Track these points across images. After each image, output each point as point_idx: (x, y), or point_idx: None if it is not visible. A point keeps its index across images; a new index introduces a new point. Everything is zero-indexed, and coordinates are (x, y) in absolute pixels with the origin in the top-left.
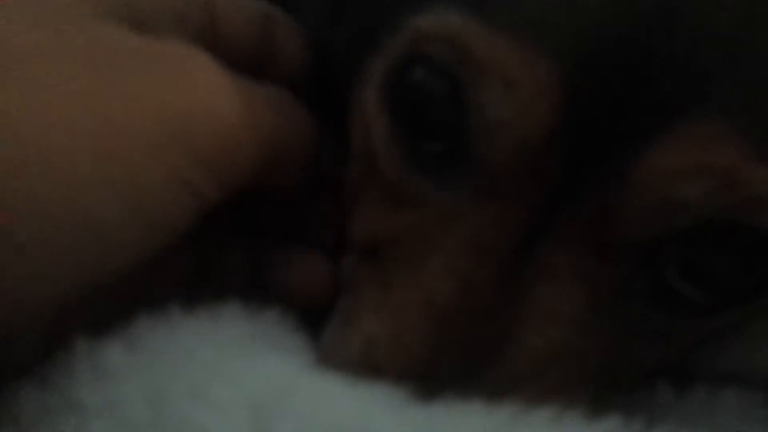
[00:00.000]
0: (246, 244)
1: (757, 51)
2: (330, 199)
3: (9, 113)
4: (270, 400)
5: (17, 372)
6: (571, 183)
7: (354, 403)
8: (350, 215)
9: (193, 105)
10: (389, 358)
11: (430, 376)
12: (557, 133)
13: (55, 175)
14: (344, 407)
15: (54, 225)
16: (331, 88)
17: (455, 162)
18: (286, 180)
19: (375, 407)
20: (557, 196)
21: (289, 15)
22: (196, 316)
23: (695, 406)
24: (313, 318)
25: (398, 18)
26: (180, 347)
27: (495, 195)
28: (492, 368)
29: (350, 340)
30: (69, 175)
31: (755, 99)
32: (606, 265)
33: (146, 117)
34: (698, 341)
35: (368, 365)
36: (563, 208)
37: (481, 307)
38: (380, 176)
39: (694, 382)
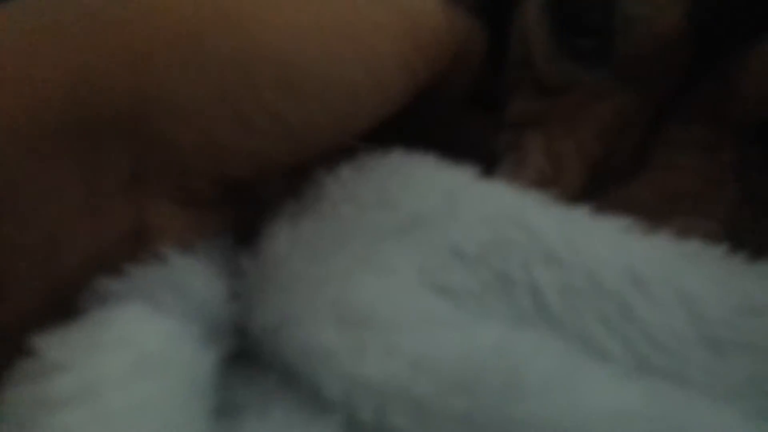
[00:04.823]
0: None
1: None
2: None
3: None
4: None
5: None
6: (698, 71)
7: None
8: (501, 118)
9: (417, 5)
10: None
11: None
12: (686, 31)
13: (311, 51)
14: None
15: (322, 89)
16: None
17: (603, 56)
18: (460, 81)
19: (535, 202)
20: (686, 81)
21: None
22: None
23: None
24: None
25: None
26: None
27: (634, 81)
28: (621, 190)
29: (523, 175)
30: (324, 52)
31: None
32: (726, 137)
33: (384, 12)
34: None
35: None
36: (691, 92)
37: (621, 160)
38: (534, 72)
39: None
